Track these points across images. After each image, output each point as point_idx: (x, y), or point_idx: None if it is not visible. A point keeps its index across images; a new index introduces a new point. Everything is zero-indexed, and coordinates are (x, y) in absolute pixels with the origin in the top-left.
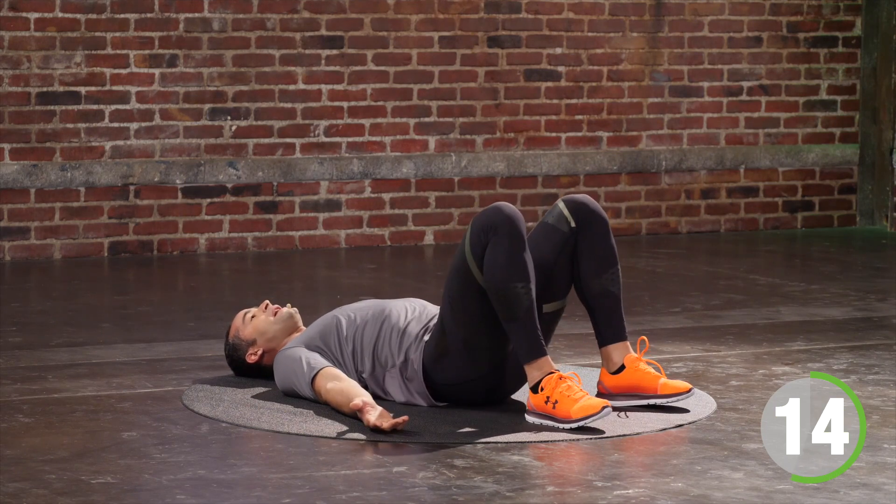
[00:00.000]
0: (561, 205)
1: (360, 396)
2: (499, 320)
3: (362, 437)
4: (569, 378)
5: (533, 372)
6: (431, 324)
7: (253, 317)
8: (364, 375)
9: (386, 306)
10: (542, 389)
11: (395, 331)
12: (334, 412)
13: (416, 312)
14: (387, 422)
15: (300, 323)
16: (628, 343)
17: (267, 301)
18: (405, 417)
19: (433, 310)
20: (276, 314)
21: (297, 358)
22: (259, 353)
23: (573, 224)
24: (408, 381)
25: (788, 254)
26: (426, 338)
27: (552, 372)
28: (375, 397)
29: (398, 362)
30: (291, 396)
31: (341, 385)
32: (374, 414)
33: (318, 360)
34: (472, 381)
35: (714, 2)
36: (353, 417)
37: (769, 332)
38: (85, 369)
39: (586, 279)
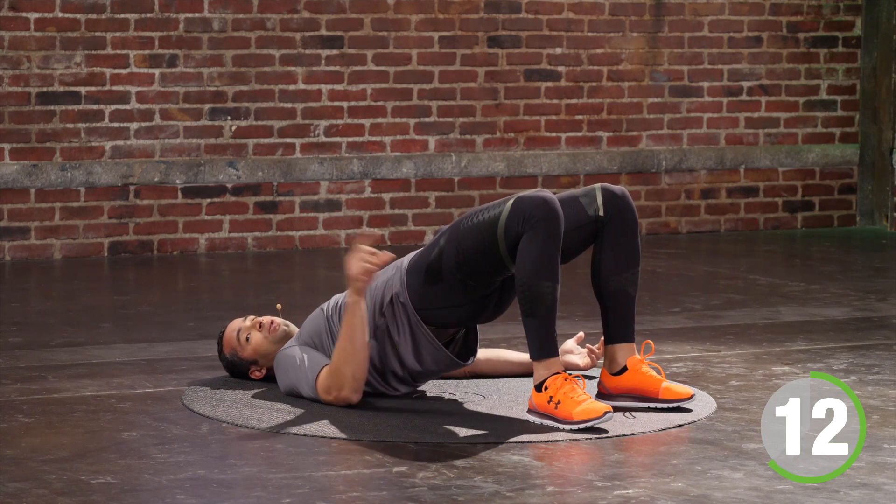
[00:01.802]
0: (598, 189)
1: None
2: (498, 270)
3: (362, 437)
4: (574, 380)
5: (540, 370)
6: (403, 264)
7: (248, 337)
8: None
9: None
10: (545, 388)
11: (369, 291)
12: (334, 412)
13: (385, 271)
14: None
15: (295, 331)
16: (634, 345)
17: (259, 320)
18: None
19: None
20: (271, 331)
21: (297, 357)
22: (263, 371)
23: (601, 213)
24: (399, 320)
25: (788, 254)
26: (405, 265)
27: (559, 372)
28: (375, 395)
29: (385, 304)
30: (292, 395)
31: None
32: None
33: (317, 357)
34: (454, 306)
35: (714, 2)
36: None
37: (769, 332)
38: (85, 369)
39: (606, 275)
